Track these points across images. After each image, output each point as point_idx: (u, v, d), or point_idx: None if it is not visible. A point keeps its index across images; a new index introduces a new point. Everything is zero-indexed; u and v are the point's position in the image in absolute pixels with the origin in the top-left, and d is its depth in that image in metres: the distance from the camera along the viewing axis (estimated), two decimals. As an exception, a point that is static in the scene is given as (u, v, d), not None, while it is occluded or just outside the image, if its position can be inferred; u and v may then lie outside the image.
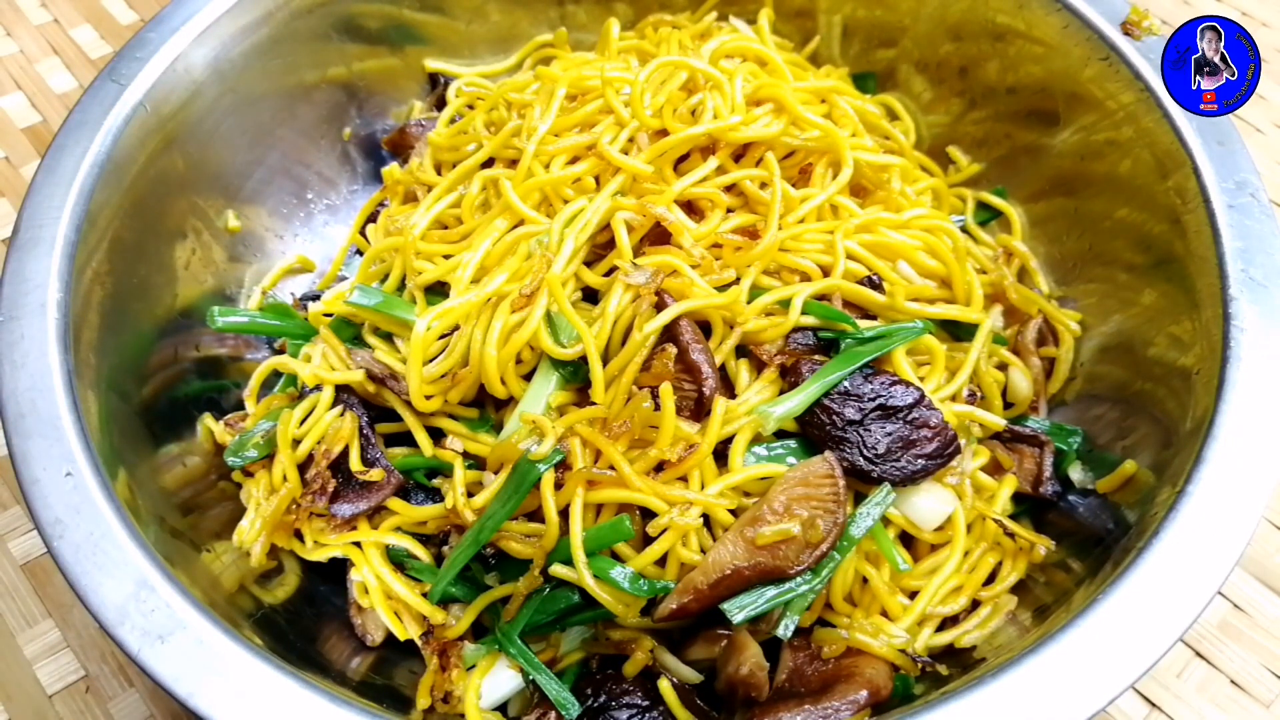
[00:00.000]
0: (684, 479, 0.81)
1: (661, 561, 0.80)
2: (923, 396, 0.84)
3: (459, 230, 0.95)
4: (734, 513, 0.80)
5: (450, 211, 0.98)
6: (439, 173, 1.04)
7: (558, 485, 0.80)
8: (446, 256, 0.92)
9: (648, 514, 0.80)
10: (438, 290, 0.92)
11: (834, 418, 0.82)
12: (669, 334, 0.83)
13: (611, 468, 0.80)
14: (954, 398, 0.91)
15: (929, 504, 0.85)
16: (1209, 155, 0.88)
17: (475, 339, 0.85)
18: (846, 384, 0.83)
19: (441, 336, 0.88)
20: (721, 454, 0.82)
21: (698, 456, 0.80)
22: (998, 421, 0.91)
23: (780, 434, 0.84)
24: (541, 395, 0.85)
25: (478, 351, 0.85)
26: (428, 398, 0.87)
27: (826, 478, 0.79)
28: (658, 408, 0.80)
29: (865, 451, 0.82)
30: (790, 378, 0.85)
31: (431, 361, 0.87)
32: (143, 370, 0.90)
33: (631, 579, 0.78)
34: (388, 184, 1.09)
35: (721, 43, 1.01)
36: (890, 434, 0.83)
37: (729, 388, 0.87)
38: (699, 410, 0.82)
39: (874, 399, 0.83)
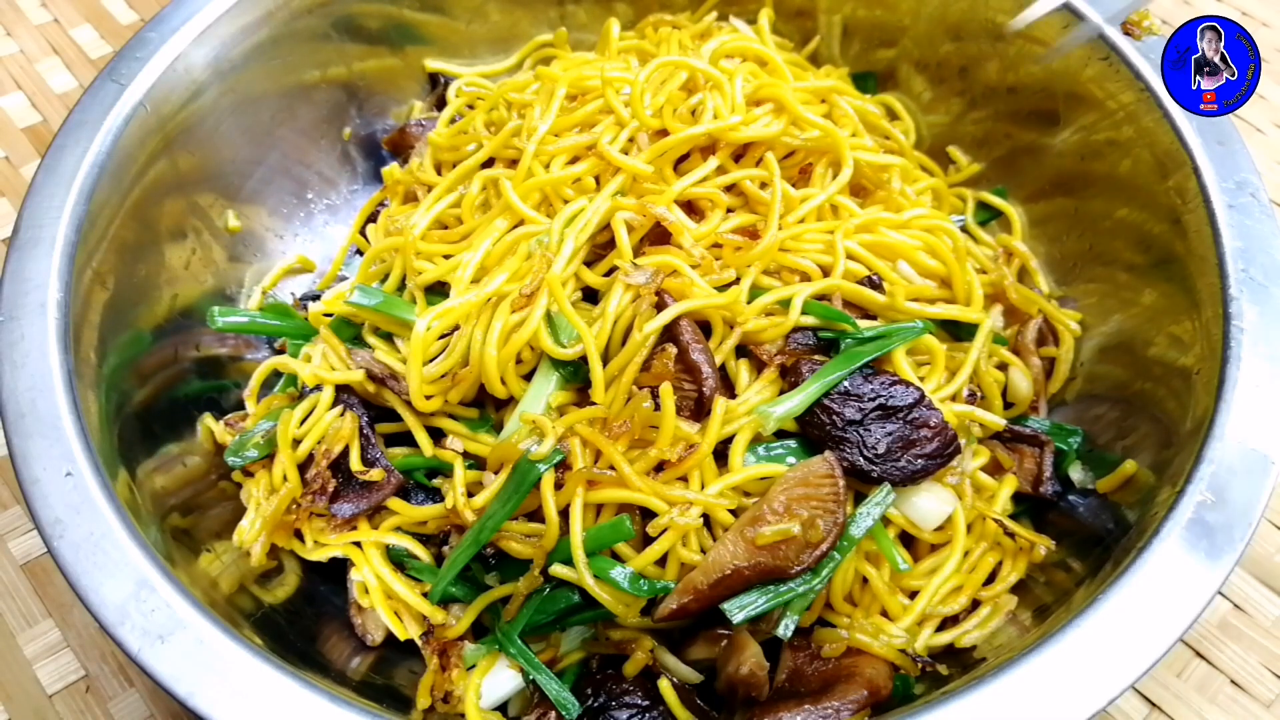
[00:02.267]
0: (684, 479, 0.81)
1: (662, 561, 0.80)
2: (923, 396, 0.84)
3: (459, 230, 0.95)
4: (734, 513, 0.80)
5: (450, 211, 0.98)
6: (439, 173, 1.04)
7: (558, 485, 0.80)
8: (447, 256, 0.92)
9: (648, 514, 0.80)
10: (438, 290, 0.92)
11: (834, 418, 0.82)
12: (669, 334, 0.83)
13: (611, 468, 0.80)
14: (954, 397, 0.91)
15: (929, 504, 0.85)
16: (1209, 155, 0.88)
17: (475, 339, 0.85)
18: (847, 384, 0.83)
19: (441, 336, 0.88)
20: (721, 454, 0.82)
21: (698, 456, 0.80)
22: (998, 421, 0.91)
23: (780, 434, 0.84)
24: (541, 395, 0.85)
25: (478, 351, 0.85)
26: (428, 398, 0.87)
27: (826, 477, 0.79)
28: (658, 408, 0.80)
29: (865, 451, 0.82)
30: (790, 378, 0.85)
31: (431, 361, 0.87)
32: (143, 370, 0.90)
33: (631, 579, 0.78)
34: (388, 184, 1.09)
35: (721, 43, 1.01)
36: (890, 434, 0.83)
37: (729, 388, 0.87)
38: (699, 410, 0.82)
39: (874, 399, 0.83)
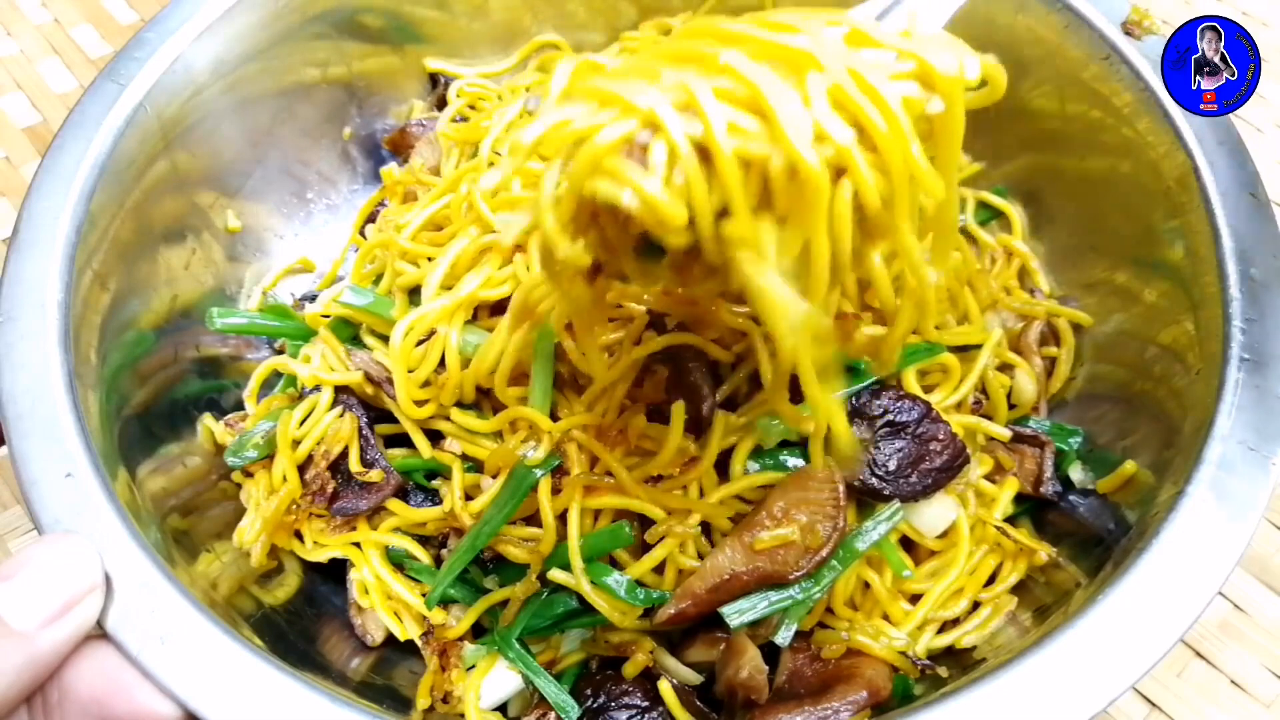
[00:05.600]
0: (683, 487, 0.81)
1: (660, 568, 0.80)
2: (929, 409, 0.83)
3: (448, 231, 0.95)
4: (734, 519, 0.80)
5: (444, 213, 0.98)
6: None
7: (556, 491, 0.80)
8: (431, 258, 0.93)
9: (646, 520, 0.80)
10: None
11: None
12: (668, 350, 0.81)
13: (609, 474, 0.79)
14: (959, 406, 0.90)
15: (934, 512, 0.85)
16: (1209, 155, 0.88)
17: (450, 344, 0.85)
18: (855, 401, 0.82)
19: (422, 341, 0.88)
20: (722, 462, 0.82)
21: (698, 470, 0.80)
22: (1003, 433, 0.91)
23: (784, 443, 0.83)
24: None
25: (453, 358, 0.85)
26: (421, 404, 0.87)
27: (826, 482, 0.78)
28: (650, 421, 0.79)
29: (877, 470, 0.81)
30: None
31: (416, 369, 0.88)
32: (143, 370, 0.90)
33: (628, 587, 0.78)
34: (387, 184, 1.09)
35: None
36: (900, 450, 0.82)
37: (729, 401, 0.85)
38: (696, 427, 0.81)
39: (883, 415, 0.82)
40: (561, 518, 0.79)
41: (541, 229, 0.57)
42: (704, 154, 0.53)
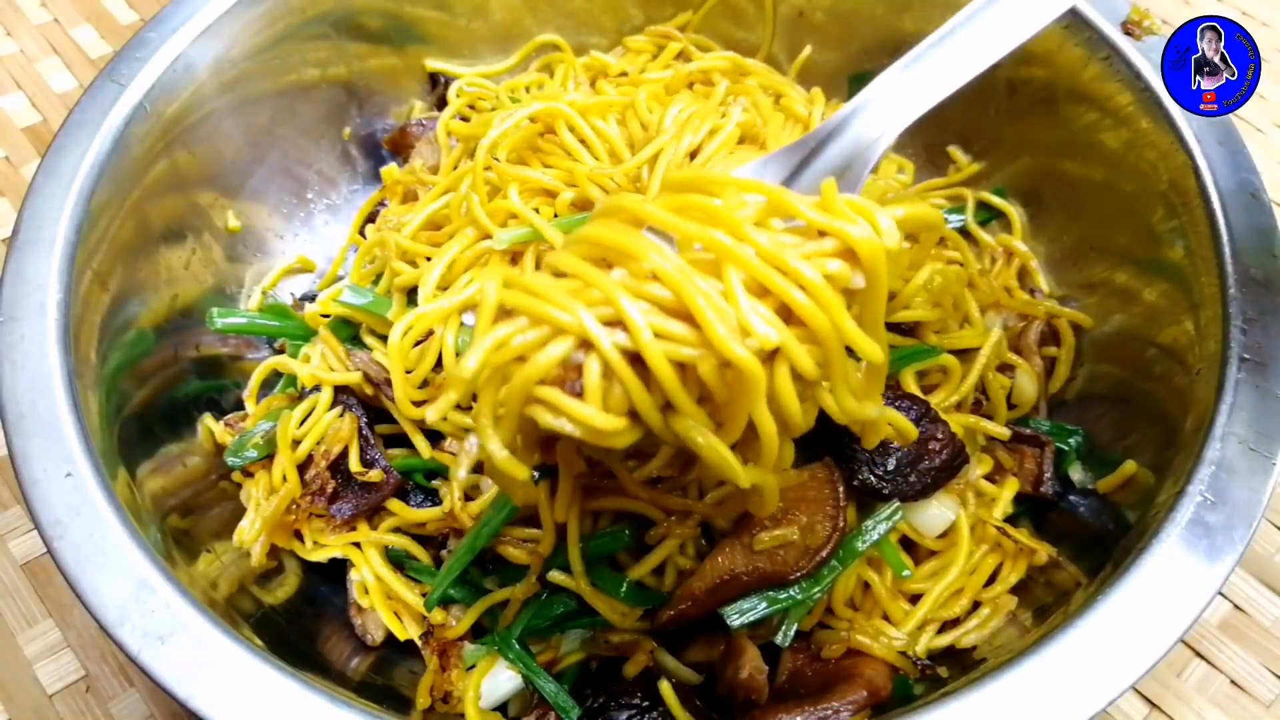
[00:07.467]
0: (683, 489, 0.81)
1: (660, 569, 0.80)
2: (928, 409, 0.83)
3: (447, 230, 0.95)
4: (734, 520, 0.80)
5: (444, 212, 0.98)
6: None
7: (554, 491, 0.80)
8: (429, 258, 0.93)
9: (647, 522, 0.80)
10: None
11: (841, 433, 0.80)
12: None
13: (609, 475, 0.79)
14: (959, 406, 0.90)
15: (933, 512, 0.85)
16: (1209, 155, 0.88)
17: (447, 345, 0.86)
18: None
19: (419, 342, 0.88)
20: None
21: (696, 471, 0.79)
22: (1003, 431, 0.91)
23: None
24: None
25: (450, 360, 0.86)
26: (419, 404, 0.87)
27: (826, 482, 0.78)
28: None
29: (876, 469, 0.80)
30: None
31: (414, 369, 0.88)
32: (143, 370, 0.90)
33: (629, 588, 0.77)
34: (387, 184, 1.09)
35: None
36: (899, 449, 0.81)
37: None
38: None
39: None
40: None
41: (488, 456, 0.58)
42: (638, 359, 0.55)
